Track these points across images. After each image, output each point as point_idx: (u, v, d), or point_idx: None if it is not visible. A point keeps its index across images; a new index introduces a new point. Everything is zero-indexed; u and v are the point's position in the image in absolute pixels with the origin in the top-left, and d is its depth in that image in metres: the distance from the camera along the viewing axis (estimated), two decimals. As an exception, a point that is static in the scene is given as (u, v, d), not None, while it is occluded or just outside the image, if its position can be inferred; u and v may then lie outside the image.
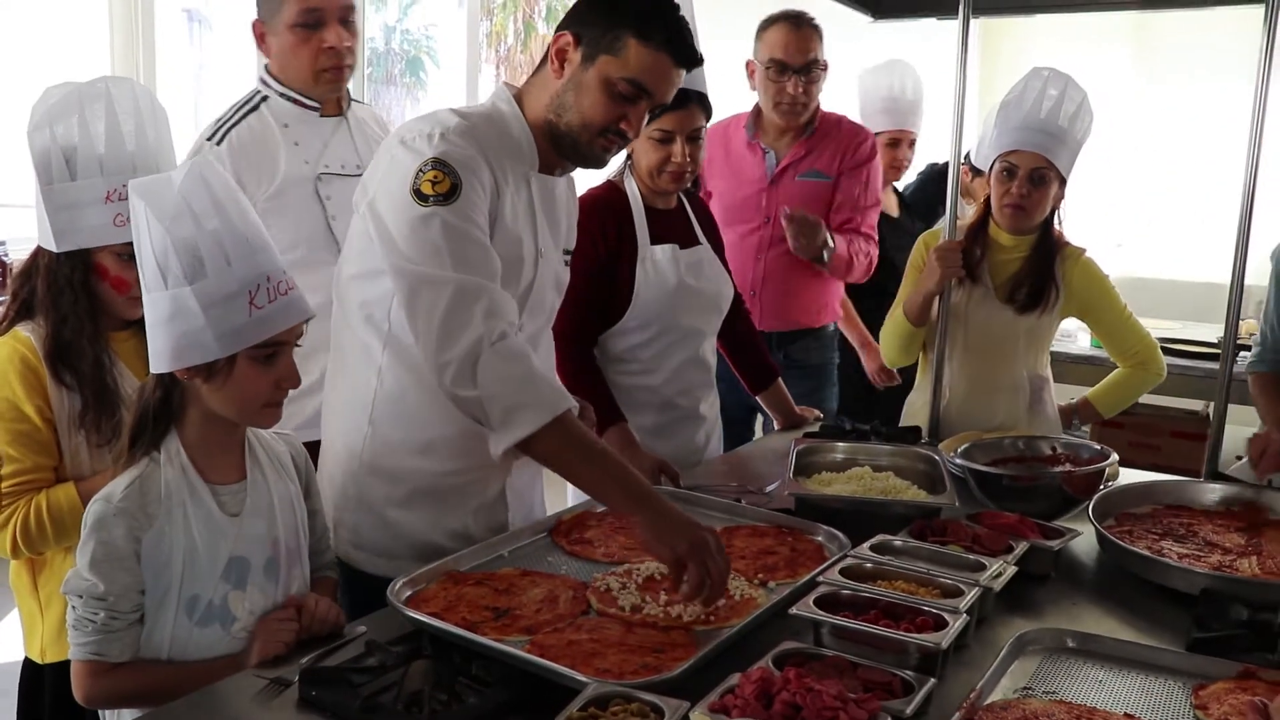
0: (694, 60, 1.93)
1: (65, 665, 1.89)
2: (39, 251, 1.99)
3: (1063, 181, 2.76)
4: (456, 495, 2.02)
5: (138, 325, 1.84)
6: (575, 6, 1.93)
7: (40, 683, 2.02)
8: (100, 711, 1.81)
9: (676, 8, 1.90)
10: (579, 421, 1.80)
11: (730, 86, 3.41)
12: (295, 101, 2.61)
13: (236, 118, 2.58)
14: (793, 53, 3.29)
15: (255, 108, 2.60)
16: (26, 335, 1.94)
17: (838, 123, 3.46)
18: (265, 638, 1.65)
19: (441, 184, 1.79)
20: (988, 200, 2.84)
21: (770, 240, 3.35)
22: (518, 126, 1.96)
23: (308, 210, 2.58)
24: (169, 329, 1.60)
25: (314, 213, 2.58)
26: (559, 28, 1.93)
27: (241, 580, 1.69)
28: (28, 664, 2.05)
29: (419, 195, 1.80)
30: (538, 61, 2.04)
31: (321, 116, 2.64)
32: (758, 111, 3.47)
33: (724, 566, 1.66)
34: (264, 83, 2.64)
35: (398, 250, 1.82)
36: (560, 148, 1.96)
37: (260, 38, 2.62)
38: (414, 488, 1.99)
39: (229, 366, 1.63)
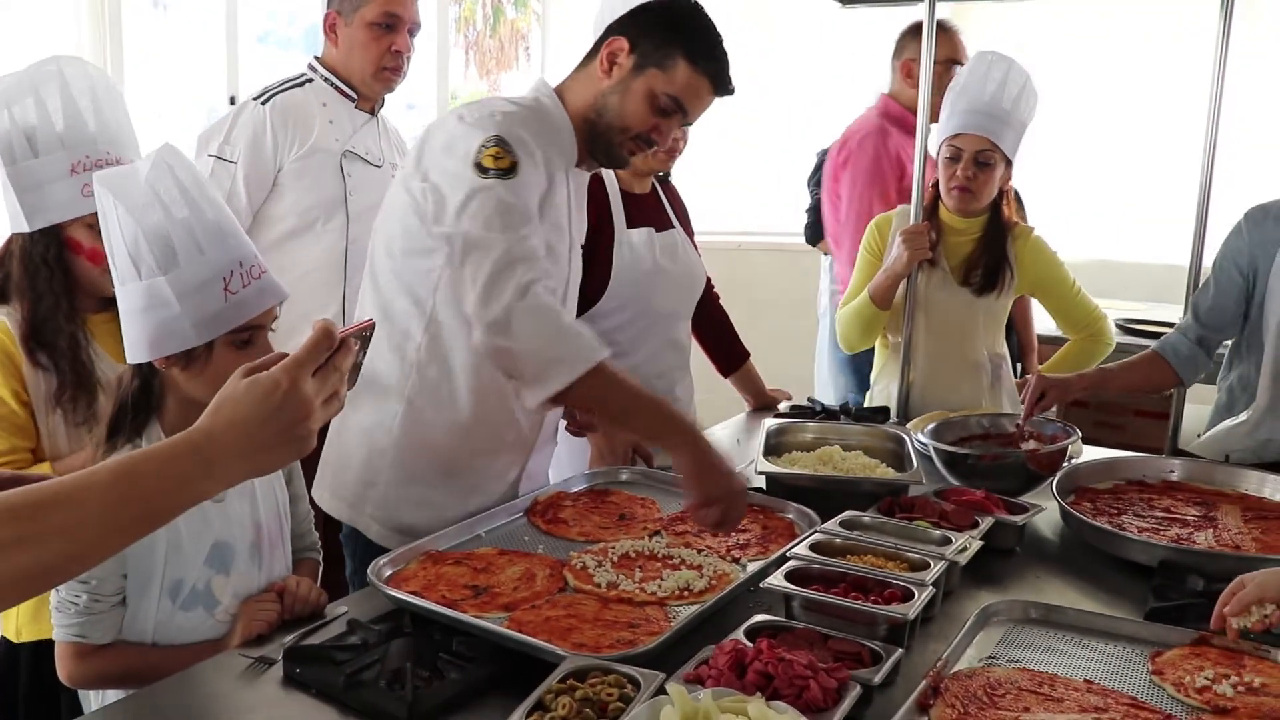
0: (729, 90, 2.01)
1: (41, 644, 1.92)
2: (11, 239, 2.00)
3: (1009, 163, 2.81)
4: (481, 476, 2.09)
5: (116, 307, 1.86)
6: (633, 14, 1.98)
7: (15, 661, 2.03)
8: (81, 692, 1.82)
9: (722, 39, 1.99)
10: (615, 369, 1.84)
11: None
12: (337, 88, 2.86)
13: (285, 87, 2.84)
14: (963, 53, 3.65)
15: (301, 84, 2.85)
16: (1, 320, 1.95)
17: None
18: (248, 619, 1.67)
19: (503, 160, 1.86)
20: (937, 185, 2.88)
21: None
22: (560, 120, 2.01)
23: (330, 178, 2.80)
24: (144, 319, 1.61)
25: (335, 183, 2.81)
26: (612, 30, 1.98)
27: (225, 565, 1.71)
28: (2, 643, 2.06)
29: (480, 168, 1.85)
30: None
31: (356, 109, 2.89)
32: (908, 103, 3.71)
33: (743, 512, 1.83)
34: (312, 68, 2.90)
35: (452, 218, 1.86)
36: (593, 145, 2.03)
37: (330, 28, 2.86)
38: (443, 468, 2.04)
39: (207, 353, 1.64)
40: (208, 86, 5.91)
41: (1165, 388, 2.73)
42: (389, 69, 2.85)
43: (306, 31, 6.13)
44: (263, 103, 2.78)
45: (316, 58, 2.91)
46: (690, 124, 2.08)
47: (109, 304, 2.00)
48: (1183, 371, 2.61)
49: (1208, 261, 2.72)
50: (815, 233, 4.14)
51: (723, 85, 2.00)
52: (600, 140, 2.02)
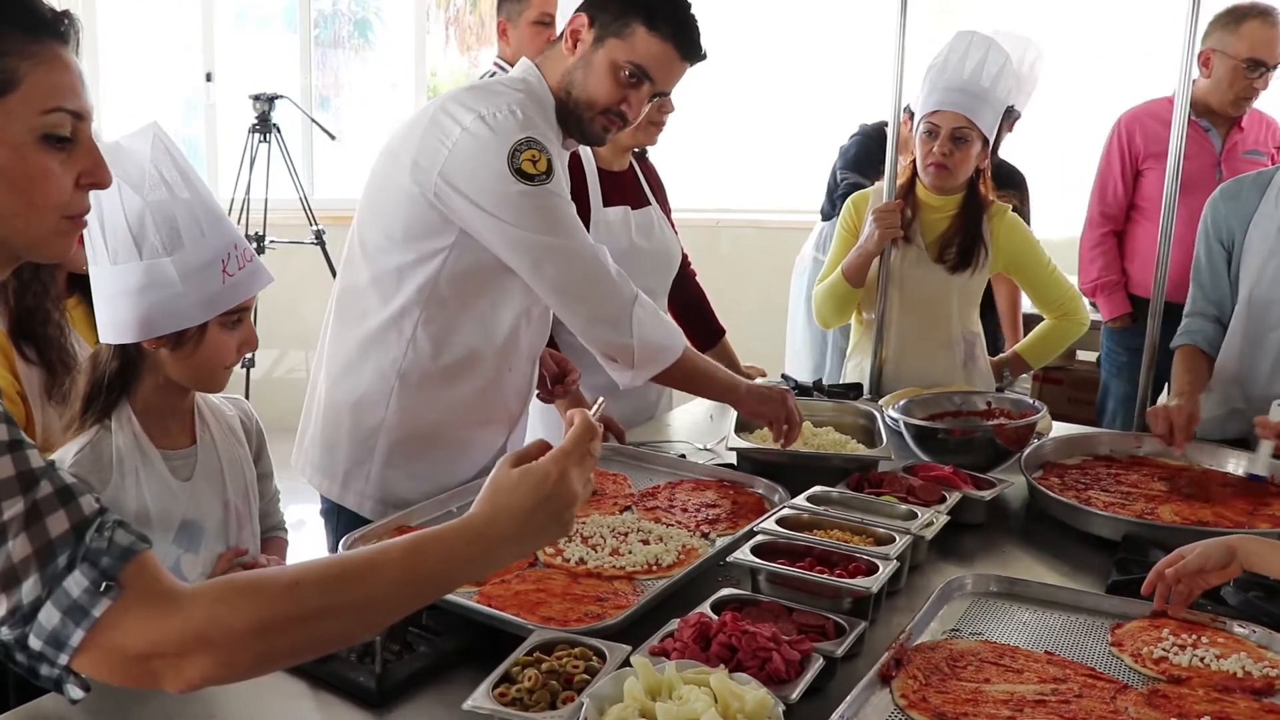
0: (697, 55, 2.00)
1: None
2: None
3: (986, 142, 2.82)
4: (469, 447, 2.12)
5: (83, 292, 1.84)
6: None
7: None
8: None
9: (688, 3, 1.97)
10: (691, 349, 2.13)
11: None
12: None
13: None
14: (1274, 51, 3.43)
15: None
16: None
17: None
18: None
19: (540, 162, 1.89)
20: (914, 162, 2.90)
21: None
22: (547, 100, 2.02)
23: None
24: (139, 299, 1.60)
25: None
26: (576, 9, 1.98)
27: (194, 544, 1.72)
28: None
29: (522, 174, 1.88)
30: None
31: None
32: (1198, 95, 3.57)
33: (801, 416, 2.21)
34: (501, 68, 3.20)
35: (508, 225, 1.90)
36: (566, 123, 2.03)
37: (502, 33, 3.28)
38: (434, 441, 2.07)
39: (199, 334, 1.65)
40: (184, 64, 5.88)
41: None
42: None
43: (285, 9, 6.10)
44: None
45: (499, 58, 3.32)
46: (665, 93, 2.06)
47: (74, 289, 1.98)
48: (1214, 354, 2.60)
49: (1180, 241, 2.74)
50: (833, 210, 4.05)
51: (689, 50, 1.98)
52: (572, 118, 2.02)
